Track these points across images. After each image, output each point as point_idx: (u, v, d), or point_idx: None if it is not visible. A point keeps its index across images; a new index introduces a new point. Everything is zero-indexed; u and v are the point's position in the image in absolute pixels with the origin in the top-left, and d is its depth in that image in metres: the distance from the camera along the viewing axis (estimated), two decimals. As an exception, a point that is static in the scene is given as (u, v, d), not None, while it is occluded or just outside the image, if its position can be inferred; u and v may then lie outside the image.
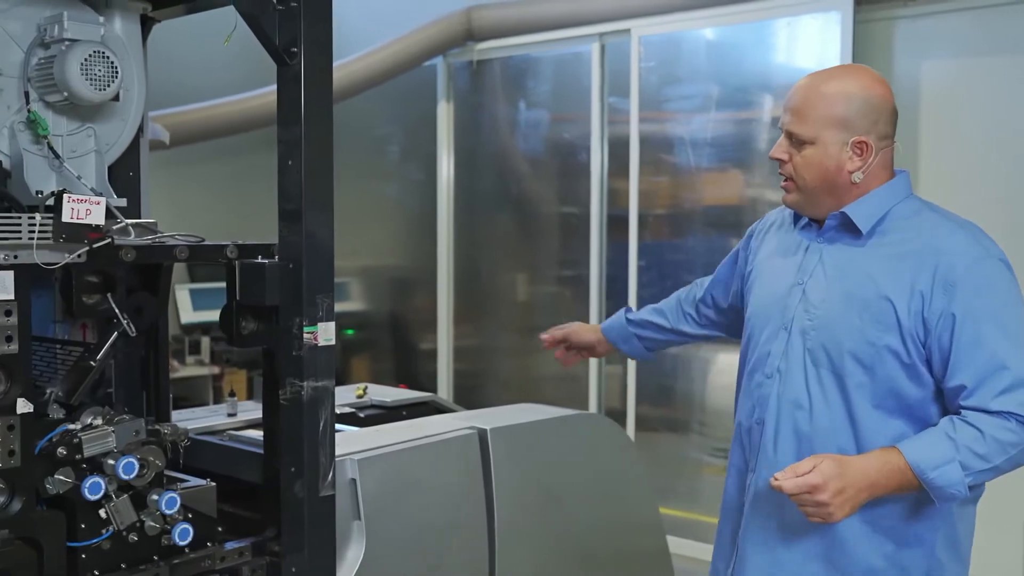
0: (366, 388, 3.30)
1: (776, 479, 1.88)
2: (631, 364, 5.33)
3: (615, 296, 5.41)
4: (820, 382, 2.02)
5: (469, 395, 6.11)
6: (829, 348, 2.01)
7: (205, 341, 5.91)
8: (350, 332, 6.70)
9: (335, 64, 6.25)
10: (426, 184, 6.26)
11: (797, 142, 2.06)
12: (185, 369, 5.85)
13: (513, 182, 5.98)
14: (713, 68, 5.00)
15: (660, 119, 5.17)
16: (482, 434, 2.74)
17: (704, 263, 4.95)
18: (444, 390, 6.17)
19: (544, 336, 2.72)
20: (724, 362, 5.04)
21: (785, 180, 2.12)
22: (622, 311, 2.68)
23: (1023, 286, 2.00)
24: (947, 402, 1.97)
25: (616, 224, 5.43)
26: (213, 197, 6.07)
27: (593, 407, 5.55)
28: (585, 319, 5.35)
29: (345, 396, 3.22)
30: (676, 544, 3.77)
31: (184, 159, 5.71)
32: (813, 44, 4.65)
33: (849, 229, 2.07)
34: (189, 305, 5.99)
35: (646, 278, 5.25)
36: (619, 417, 5.33)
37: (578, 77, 5.52)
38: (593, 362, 5.54)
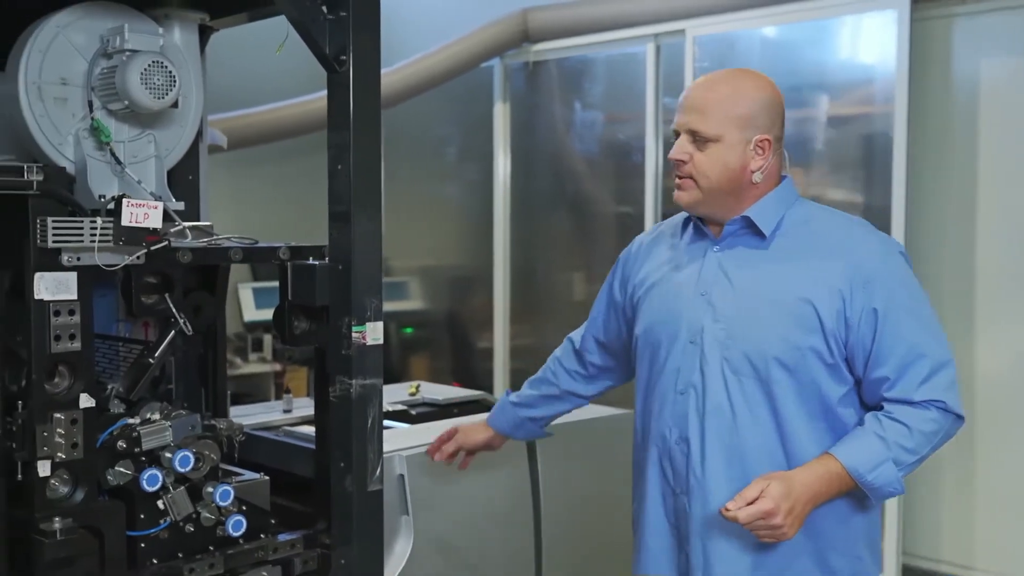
0: (419, 386, 3.37)
1: (728, 510, 1.87)
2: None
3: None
4: (743, 391, 1.99)
5: (525, 393, 6.14)
6: (752, 356, 1.98)
7: (267, 339, 6.02)
8: (409, 330, 6.79)
9: (393, 68, 6.31)
10: (483, 184, 6.32)
11: (700, 140, 2.02)
12: (248, 366, 5.97)
13: (569, 182, 6.01)
14: (768, 67, 4.93)
15: (715, 119, 5.17)
16: (529, 433, 2.78)
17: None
18: (500, 388, 6.23)
19: (431, 451, 2.51)
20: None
21: (682, 179, 2.06)
22: (504, 397, 2.53)
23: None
24: (867, 394, 2.00)
25: (671, 224, 5.42)
26: (275, 197, 6.20)
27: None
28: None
29: (398, 393, 3.29)
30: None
31: (246, 160, 5.84)
32: (870, 43, 4.61)
33: (750, 234, 2.05)
34: (252, 303, 6.11)
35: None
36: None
37: (633, 77, 5.53)
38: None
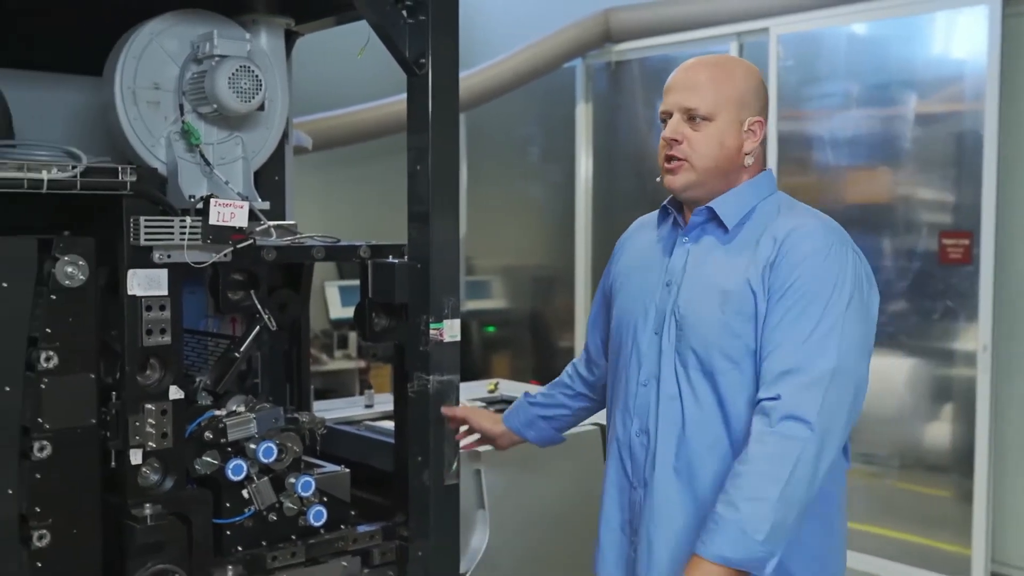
0: (497, 383, 3.41)
1: None
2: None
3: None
4: (690, 382, 1.95)
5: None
6: (697, 347, 1.94)
7: (352, 336, 6.13)
8: (491, 329, 6.84)
9: (476, 69, 6.32)
10: (565, 184, 6.34)
11: (695, 119, 1.97)
12: (333, 363, 6.08)
13: (651, 182, 5.97)
14: (853, 65, 4.90)
15: (800, 118, 5.10)
16: (603, 429, 2.79)
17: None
18: (581, 388, 6.23)
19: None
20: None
21: (676, 161, 1.99)
22: (522, 397, 2.43)
23: None
24: None
25: (754, 224, 5.37)
26: (360, 197, 6.31)
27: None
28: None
29: (477, 391, 3.33)
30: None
31: (332, 161, 5.96)
32: (960, 39, 4.51)
33: (716, 225, 2.01)
34: (338, 301, 6.23)
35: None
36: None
37: (716, 77, 5.49)
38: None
